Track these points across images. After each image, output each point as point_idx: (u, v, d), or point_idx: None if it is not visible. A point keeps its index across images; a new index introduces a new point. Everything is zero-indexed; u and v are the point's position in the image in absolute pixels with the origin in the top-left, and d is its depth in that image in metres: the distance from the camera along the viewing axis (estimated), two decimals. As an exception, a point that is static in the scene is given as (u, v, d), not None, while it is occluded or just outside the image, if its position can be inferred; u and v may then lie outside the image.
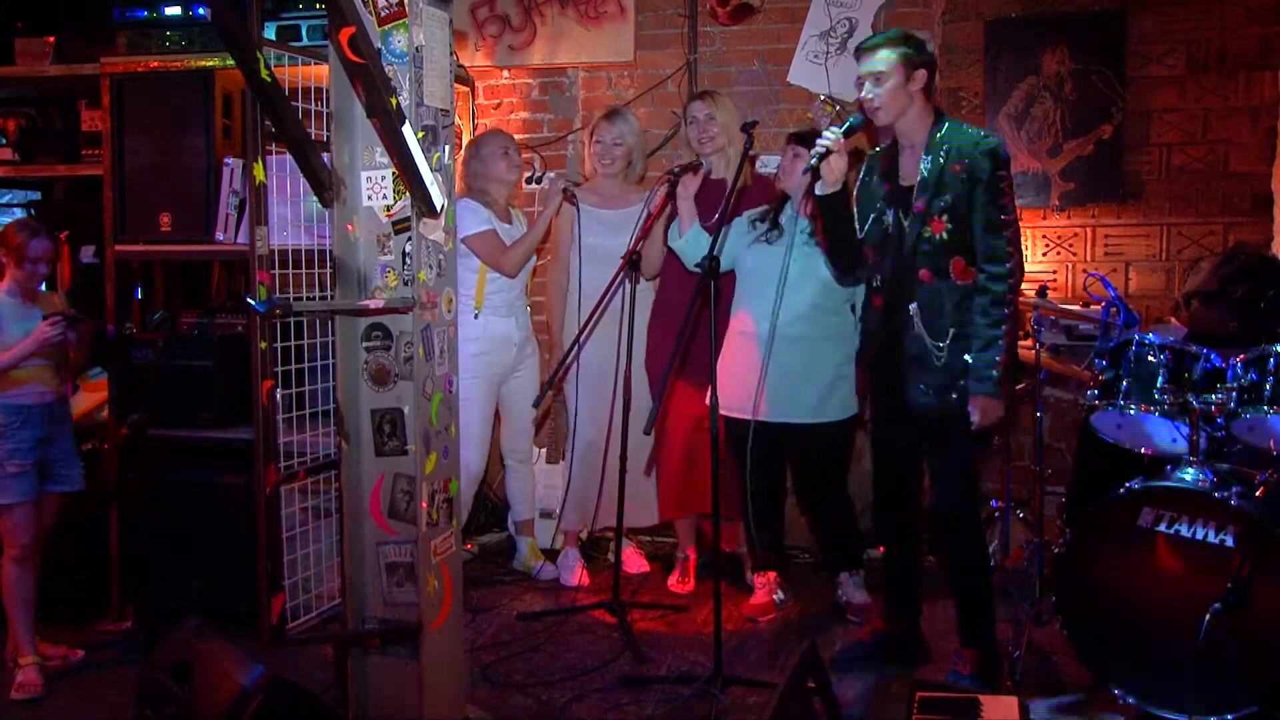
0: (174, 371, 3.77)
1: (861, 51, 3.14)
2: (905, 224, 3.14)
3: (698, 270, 3.23)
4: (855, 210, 3.30)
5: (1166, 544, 2.92)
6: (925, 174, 3.09)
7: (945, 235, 3.06)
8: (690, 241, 3.71)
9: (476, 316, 4.08)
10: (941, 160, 3.06)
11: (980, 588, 3.24)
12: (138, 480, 3.77)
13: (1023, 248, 3.11)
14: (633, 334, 3.76)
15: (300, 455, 2.82)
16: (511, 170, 4.15)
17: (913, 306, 3.13)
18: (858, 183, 3.36)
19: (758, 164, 4.27)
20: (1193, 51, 4.17)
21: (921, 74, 3.09)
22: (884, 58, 3.07)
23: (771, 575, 3.89)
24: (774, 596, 3.86)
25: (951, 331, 3.08)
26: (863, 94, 3.12)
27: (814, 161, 3.06)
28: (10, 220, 4.82)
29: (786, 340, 3.56)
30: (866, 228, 3.26)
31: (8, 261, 3.46)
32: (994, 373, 3.01)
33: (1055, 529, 3.78)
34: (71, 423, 3.64)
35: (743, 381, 3.63)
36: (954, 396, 3.09)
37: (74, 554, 3.82)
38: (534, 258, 4.25)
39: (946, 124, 3.12)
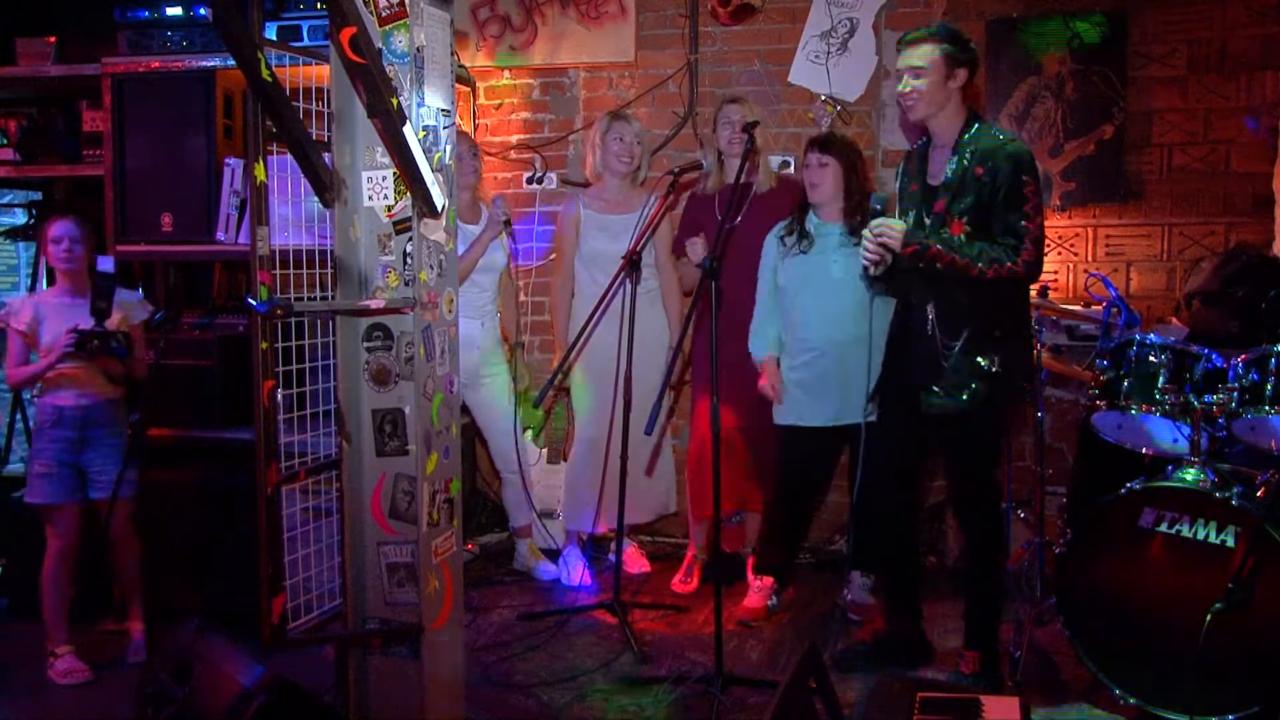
0: (175, 372, 3.77)
1: (904, 44, 3.10)
2: (927, 222, 3.12)
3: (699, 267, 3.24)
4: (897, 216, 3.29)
5: (1167, 544, 2.92)
6: (949, 175, 3.07)
7: (963, 238, 3.03)
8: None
9: None
10: (966, 162, 3.04)
11: (992, 589, 3.23)
12: (139, 480, 3.77)
13: (1043, 255, 3.06)
14: (633, 334, 3.76)
15: (301, 455, 2.81)
16: (467, 174, 4.06)
17: (930, 307, 3.11)
18: (898, 186, 3.35)
19: (774, 165, 4.26)
20: (1194, 51, 4.17)
21: (962, 73, 3.06)
22: (924, 53, 3.04)
23: (769, 581, 3.87)
24: (768, 601, 3.85)
25: (966, 332, 3.06)
26: (899, 87, 3.10)
27: (875, 272, 3.11)
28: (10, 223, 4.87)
29: (845, 344, 3.56)
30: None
31: (45, 256, 3.46)
32: (918, 255, 2.98)
33: (1056, 529, 3.78)
34: (117, 428, 3.59)
35: (820, 393, 3.65)
36: (964, 397, 3.07)
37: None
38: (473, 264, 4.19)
39: (977, 125, 3.08)
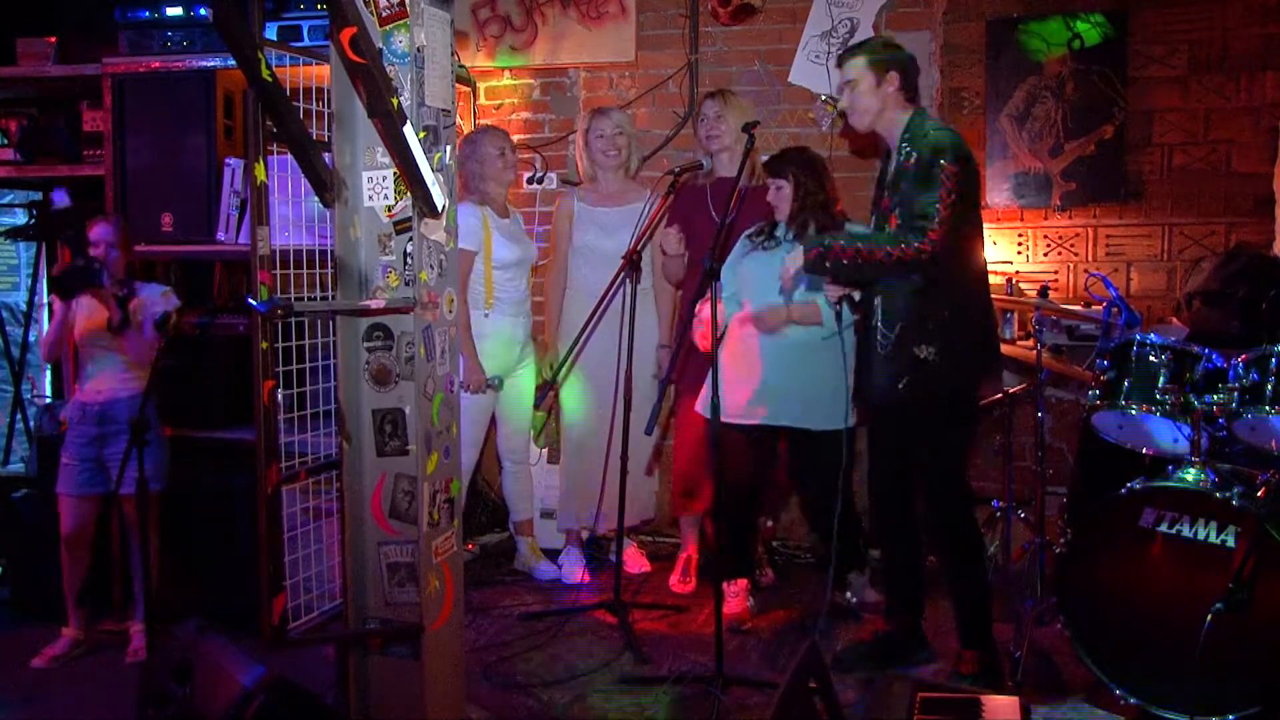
0: (175, 372, 3.76)
1: (839, 64, 3.25)
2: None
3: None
4: None
5: (1168, 544, 2.92)
6: (892, 171, 3.15)
7: (880, 231, 3.12)
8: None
9: (487, 316, 4.09)
10: (902, 157, 3.11)
11: (975, 588, 3.23)
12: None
13: (948, 240, 2.96)
14: (633, 334, 3.76)
15: (301, 455, 2.81)
16: (508, 170, 4.14)
17: (877, 300, 3.17)
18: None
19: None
20: (1194, 51, 4.17)
21: (893, 75, 3.13)
22: (852, 65, 3.17)
23: (743, 583, 3.86)
24: (747, 603, 3.84)
25: (899, 325, 3.10)
26: (840, 104, 3.26)
27: (834, 297, 3.25)
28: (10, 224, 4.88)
29: (801, 345, 3.59)
30: None
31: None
32: (822, 256, 2.98)
33: (1057, 529, 3.78)
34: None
35: (755, 388, 3.64)
36: (900, 387, 3.11)
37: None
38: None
39: (914, 121, 3.13)
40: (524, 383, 4.28)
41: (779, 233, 3.70)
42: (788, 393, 3.61)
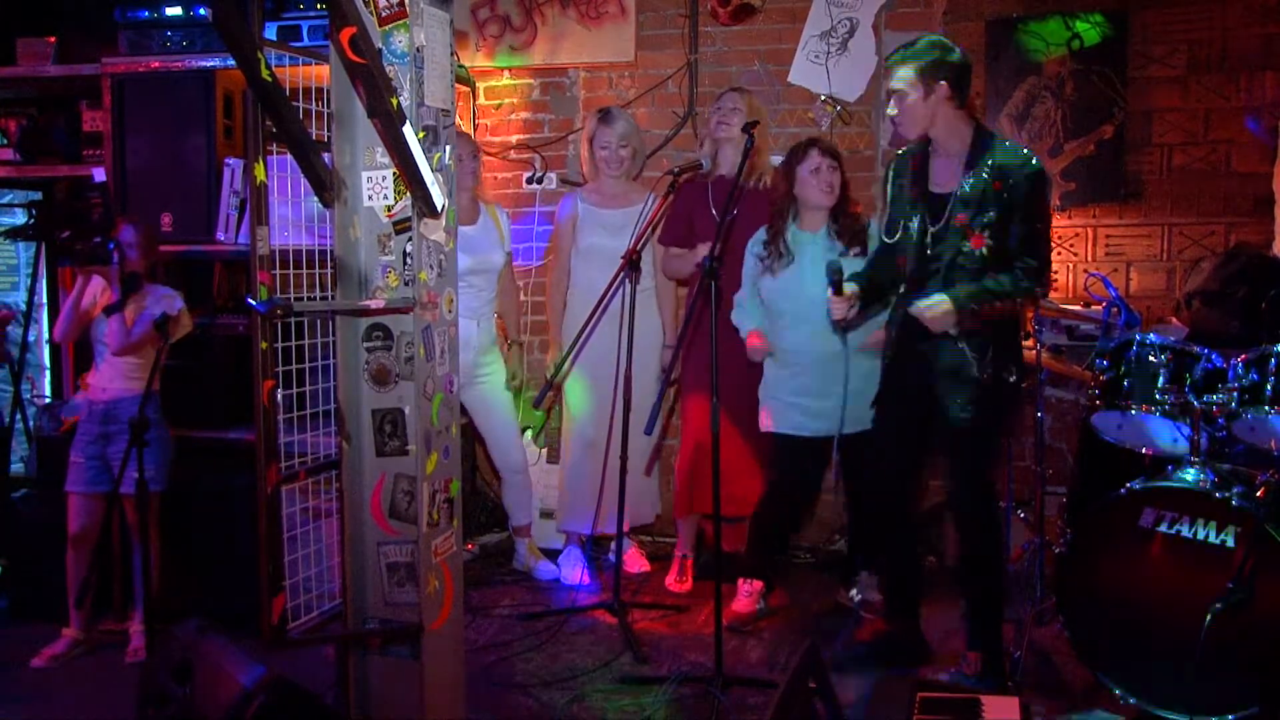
0: (175, 372, 3.76)
1: (887, 68, 3.18)
2: (931, 230, 3.14)
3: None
4: (888, 219, 3.31)
5: (1167, 544, 2.92)
6: (968, 188, 3.08)
7: (985, 251, 3.06)
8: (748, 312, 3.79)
9: None
10: (986, 176, 3.06)
11: (993, 591, 3.24)
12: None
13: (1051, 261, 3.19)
14: (633, 334, 3.76)
15: (301, 455, 2.81)
16: (467, 176, 4.04)
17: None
18: (889, 189, 3.34)
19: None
20: (1194, 51, 4.17)
21: (943, 86, 3.07)
22: (901, 76, 3.09)
23: (758, 584, 3.85)
24: (757, 605, 3.83)
25: (991, 350, 3.09)
26: (887, 110, 3.19)
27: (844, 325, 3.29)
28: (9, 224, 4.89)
29: (827, 356, 3.59)
30: (898, 236, 3.25)
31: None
32: (972, 305, 3.03)
33: (1056, 529, 3.78)
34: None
35: (809, 403, 3.65)
36: (989, 407, 3.13)
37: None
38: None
39: (993, 141, 3.11)
40: (490, 392, 4.23)
41: (789, 239, 3.65)
42: (843, 401, 3.56)
